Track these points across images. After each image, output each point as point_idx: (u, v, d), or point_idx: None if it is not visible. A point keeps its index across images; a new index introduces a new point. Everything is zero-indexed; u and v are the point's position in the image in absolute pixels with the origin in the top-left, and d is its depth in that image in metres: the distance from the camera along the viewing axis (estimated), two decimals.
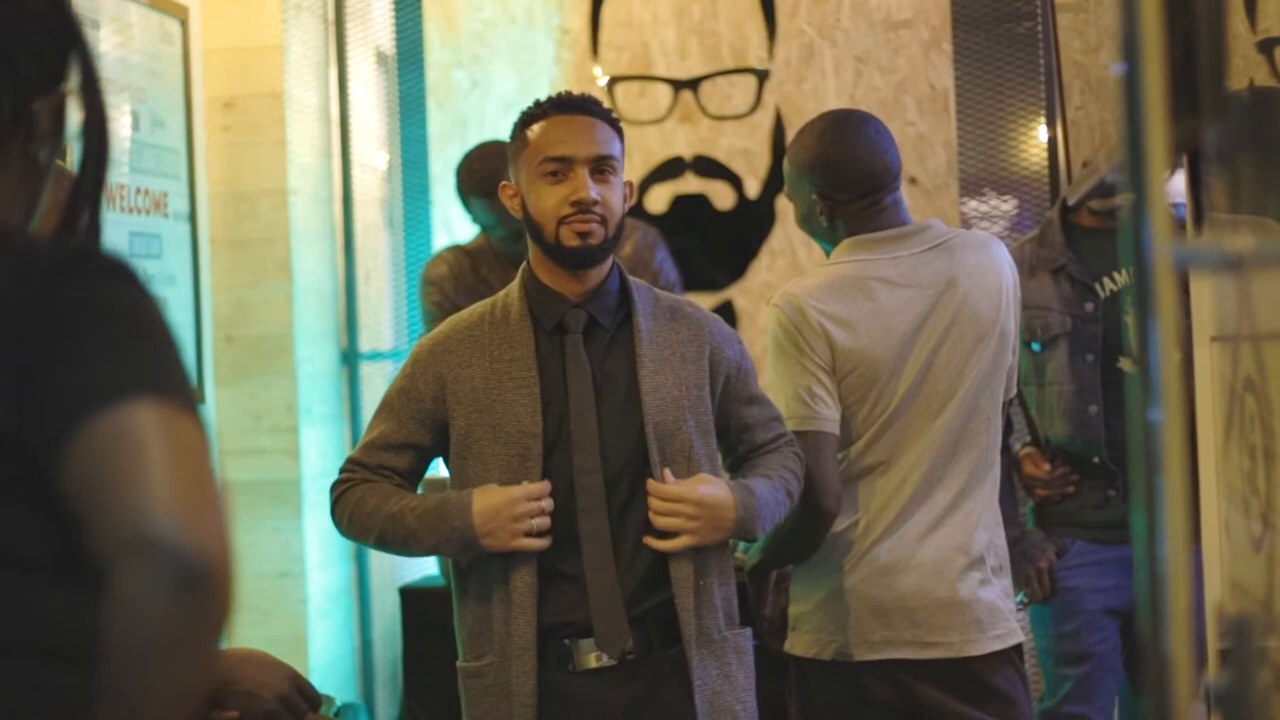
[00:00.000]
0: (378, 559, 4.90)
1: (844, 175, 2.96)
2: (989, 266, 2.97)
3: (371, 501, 2.67)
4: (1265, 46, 2.31)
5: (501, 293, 2.75)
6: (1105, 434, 3.54)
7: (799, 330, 2.87)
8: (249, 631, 4.52)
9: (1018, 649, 3.01)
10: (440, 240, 4.99)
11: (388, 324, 5.14)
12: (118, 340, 1.34)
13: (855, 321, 2.89)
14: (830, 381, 2.88)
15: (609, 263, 2.70)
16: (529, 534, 2.57)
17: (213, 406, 4.53)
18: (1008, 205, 4.85)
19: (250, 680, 2.24)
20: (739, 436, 2.77)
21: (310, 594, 4.57)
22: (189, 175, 4.38)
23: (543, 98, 2.74)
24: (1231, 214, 1.38)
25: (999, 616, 2.96)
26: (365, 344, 4.91)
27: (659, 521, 2.62)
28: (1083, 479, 3.58)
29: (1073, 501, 3.61)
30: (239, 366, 4.56)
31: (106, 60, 3.96)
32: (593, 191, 2.61)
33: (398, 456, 2.71)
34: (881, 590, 2.92)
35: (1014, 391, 3.07)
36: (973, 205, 4.80)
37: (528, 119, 2.69)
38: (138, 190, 4.11)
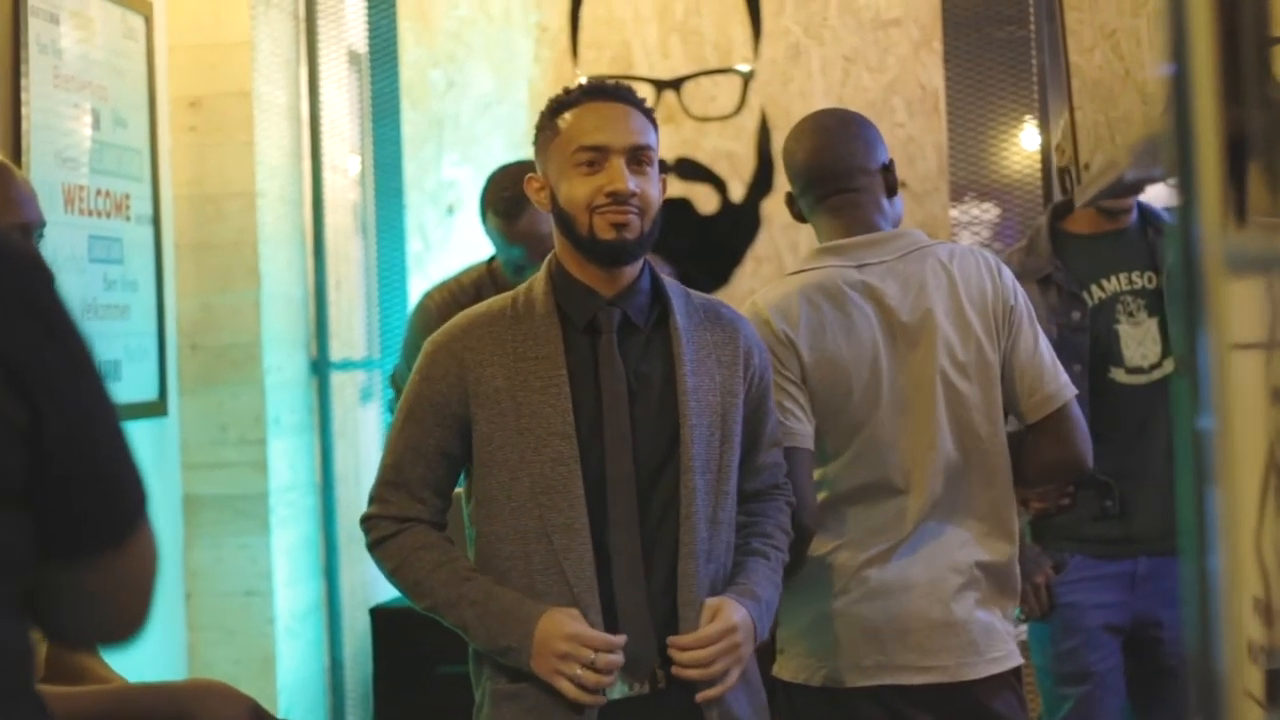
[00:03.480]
0: (348, 577, 4.87)
1: (796, 169, 3.00)
2: (966, 277, 2.94)
3: (421, 568, 2.57)
4: None
5: (523, 286, 2.65)
6: (1093, 445, 3.53)
7: (764, 343, 2.85)
8: (215, 651, 4.49)
9: (1017, 672, 2.97)
10: (414, 245, 4.96)
11: (359, 332, 5.11)
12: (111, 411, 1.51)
13: (821, 329, 2.87)
14: (801, 394, 2.86)
15: (641, 259, 2.62)
16: (573, 681, 2.47)
17: (177, 417, 4.50)
18: (998, 210, 4.85)
19: (209, 713, 2.22)
20: (745, 451, 2.69)
21: (278, 612, 4.54)
22: (152, 177, 4.35)
23: (572, 86, 2.65)
24: (1272, 216, 1.37)
25: (997, 638, 2.92)
26: (336, 353, 4.88)
27: (702, 675, 2.52)
28: (1078, 491, 3.57)
29: (1069, 514, 3.60)
30: (204, 375, 4.53)
31: (66, 56, 3.93)
32: (630, 183, 2.52)
33: (431, 470, 2.59)
34: (873, 612, 2.88)
35: (1048, 408, 2.94)
36: (963, 209, 4.81)
37: (558, 106, 2.61)
38: (98, 192, 4.07)
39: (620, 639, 2.49)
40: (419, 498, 2.61)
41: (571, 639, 2.46)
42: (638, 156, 2.56)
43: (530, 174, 2.67)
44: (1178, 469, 1.18)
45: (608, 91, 2.61)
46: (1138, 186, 2.51)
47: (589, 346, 2.58)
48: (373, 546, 2.64)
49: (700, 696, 2.53)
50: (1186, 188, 1.14)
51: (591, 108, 2.58)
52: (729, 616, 2.53)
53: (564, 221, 2.58)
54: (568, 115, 2.59)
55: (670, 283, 2.67)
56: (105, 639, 1.63)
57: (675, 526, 2.56)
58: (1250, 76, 1.20)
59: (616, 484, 2.54)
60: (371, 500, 2.65)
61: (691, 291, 2.72)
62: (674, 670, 2.53)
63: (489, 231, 3.77)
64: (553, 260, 2.64)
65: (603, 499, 2.54)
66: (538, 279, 2.63)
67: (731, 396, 2.63)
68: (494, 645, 2.52)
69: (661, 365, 2.60)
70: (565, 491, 2.51)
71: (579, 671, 2.46)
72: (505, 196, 3.70)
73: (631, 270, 2.59)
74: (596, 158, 2.54)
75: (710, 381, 2.61)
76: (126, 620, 1.54)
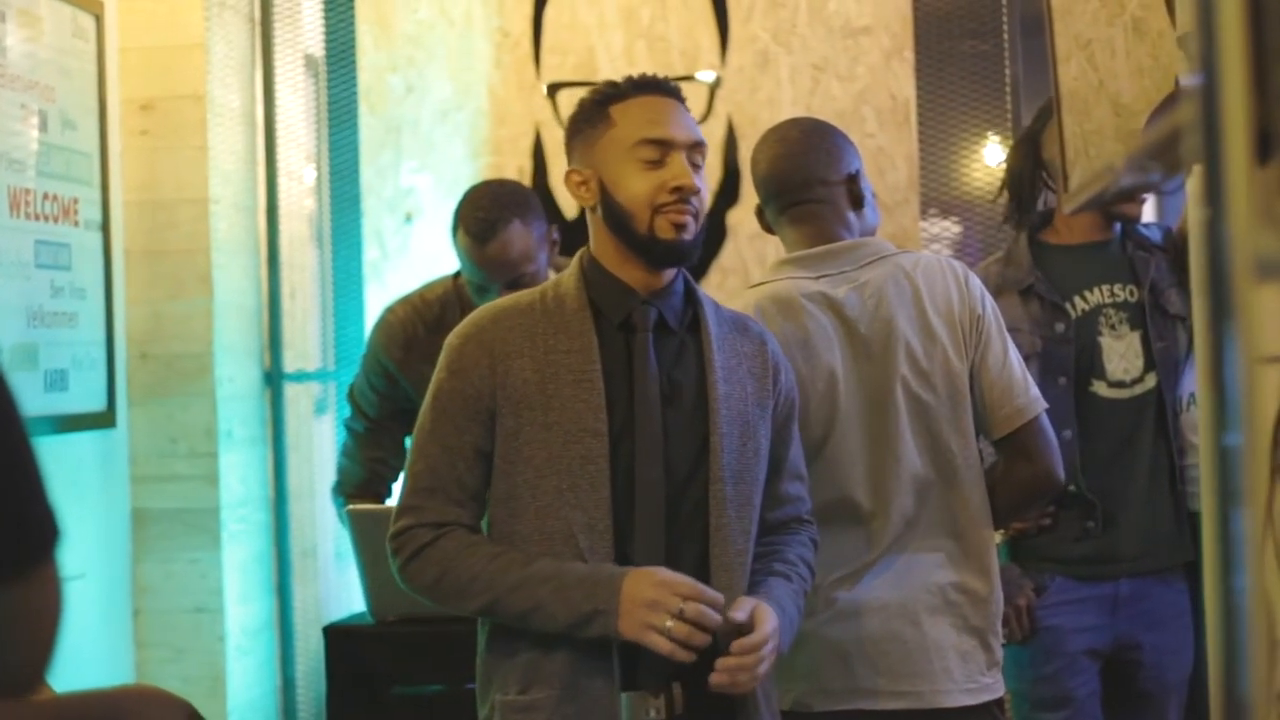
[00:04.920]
0: (301, 594, 4.80)
1: (759, 180, 3.00)
2: (931, 285, 2.90)
3: (475, 563, 2.44)
4: (1183, 43, 2.30)
5: (551, 281, 2.58)
6: (1081, 461, 3.49)
7: None
8: (163, 669, 4.42)
9: (999, 703, 2.92)
10: (371, 253, 4.90)
11: (314, 342, 5.05)
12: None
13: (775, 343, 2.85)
14: None
15: None
16: (664, 634, 2.36)
17: (126, 428, 4.43)
18: (971, 222, 4.83)
19: (140, 718, 2.19)
20: (768, 475, 2.61)
21: (229, 630, 4.48)
22: (102, 181, 4.28)
23: (619, 78, 2.58)
24: None
25: (975, 666, 2.86)
26: (290, 364, 4.81)
27: (750, 682, 2.42)
28: (1059, 510, 3.53)
29: (1049, 535, 3.55)
30: (154, 386, 4.46)
31: (12, 56, 3.86)
32: (696, 179, 2.48)
33: (468, 471, 2.48)
34: (842, 634, 2.83)
35: (1018, 421, 2.92)
36: (934, 221, 4.78)
37: (606, 97, 2.54)
38: (45, 196, 4.00)
39: (716, 596, 2.39)
40: (457, 501, 2.49)
41: (660, 585, 2.36)
42: (694, 155, 2.52)
43: (572, 168, 2.58)
44: (1202, 487, 1.14)
45: (661, 86, 2.55)
46: (1145, 189, 2.49)
47: (623, 344, 2.50)
48: (409, 561, 2.49)
49: (715, 680, 2.41)
50: (1214, 189, 1.11)
51: (647, 101, 2.52)
52: (772, 618, 2.45)
53: (618, 218, 2.50)
54: (621, 107, 2.52)
55: (700, 290, 2.62)
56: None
57: (701, 539, 2.49)
58: (1273, 70, 1.17)
59: (646, 488, 2.45)
60: (400, 513, 2.52)
61: (717, 302, 2.66)
62: (714, 679, 2.40)
63: (457, 249, 3.71)
64: (585, 255, 2.57)
65: (629, 503, 2.46)
66: (567, 274, 2.56)
67: (761, 409, 2.57)
68: (577, 615, 2.39)
69: (694, 370, 2.53)
70: (592, 491, 2.43)
71: (669, 624, 2.35)
72: (479, 218, 3.63)
73: (670, 270, 2.54)
74: (660, 153, 2.48)
75: (742, 390, 2.55)
76: (22, 662, 1.48)
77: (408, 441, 3.97)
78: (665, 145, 2.48)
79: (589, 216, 2.57)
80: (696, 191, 2.47)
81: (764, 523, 2.61)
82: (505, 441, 2.47)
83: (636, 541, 2.45)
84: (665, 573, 2.39)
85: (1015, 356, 2.95)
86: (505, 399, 2.46)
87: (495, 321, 2.52)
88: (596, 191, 2.52)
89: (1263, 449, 1.17)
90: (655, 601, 2.35)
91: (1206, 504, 1.13)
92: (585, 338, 2.48)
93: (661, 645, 2.36)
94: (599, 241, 2.55)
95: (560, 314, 2.50)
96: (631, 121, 2.50)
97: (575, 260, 2.57)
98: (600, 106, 2.54)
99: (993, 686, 2.89)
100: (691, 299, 2.58)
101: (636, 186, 2.48)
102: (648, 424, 2.46)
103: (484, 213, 3.62)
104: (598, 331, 2.49)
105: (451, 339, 2.54)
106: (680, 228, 2.46)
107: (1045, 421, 2.94)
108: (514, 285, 3.57)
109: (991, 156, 4.83)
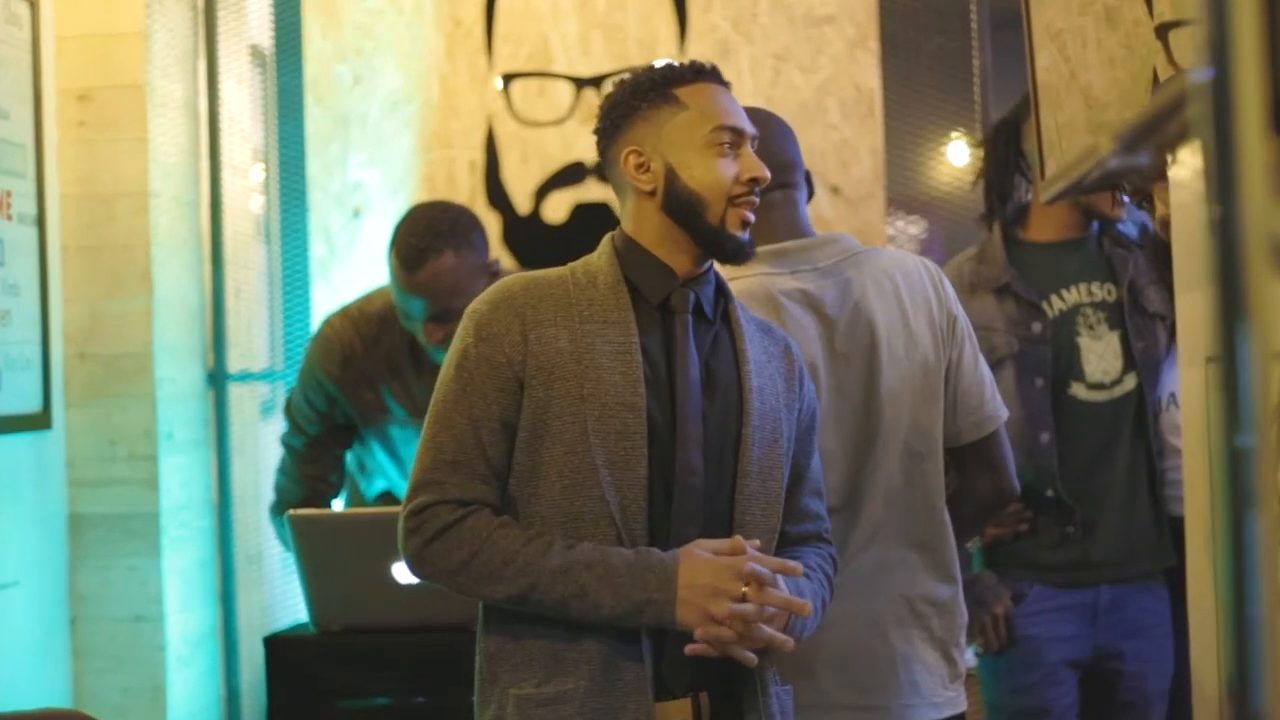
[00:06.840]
0: (245, 602, 4.72)
1: None
2: (911, 285, 2.86)
3: (509, 545, 2.32)
4: (1161, 32, 2.26)
5: (578, 261, 2.50)
6: (1059, 465, 3.43)
7: None
8: (101, 679, 4.33)
9: (961, 717, 2.87)
10: (318, 250, 4.82)
11: (260, 342, 4.97)
12: None
13: None
14: None
15: None
16: (724, 623, 2.29)
17: (62, 431, 4.34)
18: (936, 219, 4.78)
19: None
20: (788, 487, 2.53)
21: (169, 639, 4.39)
22: (37, 174, 4.19)
23: (678, 62, 2.52)
24: None
25: (939, 680, 2.82)
26: (234, 364, 4.73)
27: (769, 634, 2.34)
28: (1038, 515, 3.47)
29: (1027, 541, 3.49)
30: (92, 387, 4.37)
31: None
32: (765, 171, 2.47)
33: (495, 445, 2.36)
34: (807, 645, 2.76)
35: (987, 429, 2.89)
36: (901, 215, 4.73)
37: (667, 79, 2.48)
38: None
39: (775, 566, 2.33)
40: (482, 478, 2.37)
41: (719, 569, 2.29)
42: (754, 146, 2.50)
43: (632, 147, 2.48)
44: (1188, 491, 1.07)
45: (718, 75, 2.52)
46: (1132, 172, 2.43)
47: (660, 325, 2.44)
48: (430, 542, 2.36)
49: (700, 639, 2.32)
50: (1224, 167, 1.04)
51: (711, 88, 2.48)
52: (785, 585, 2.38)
53: (687, 204, 2.43)
54: (687, 90, 2.47)
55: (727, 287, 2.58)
56: None
57: (725, 535, 2.39)
58: None
59: (685, 472, 2.37)
60: (418, 489, 2.38)
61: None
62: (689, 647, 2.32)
63: (388, 269, 3.60)
64: (618, 236, 2.49)
65: (665, 487, 2.37)
66: (597, 255, 2.49)
67: (789, 410, 2.52)
68: (626, 604, 2.29)
69: (728, 361, 2.47)
70: (627, 469, 2.34)
71: (733, 608, 2.28)
72: (411, 243, 3.51)
73: (709, 259, 2.49)
74: (734, 140, 2.45)
75: (773, 386, 2.50)
76: None
77: (348, 457, 3.94)
78: (739, 134, 2.45)
79: (633, 198, 2.49)
80: (765, 183, 2.46)
81: (783, 536, 2.53)
82: (533, 414, 2.36)
83: (673, 528, 2.36)
84: (719, 551, 2.31)
85: (983, 361, 2.91)
86: (537, 369, 2.37)
87: (526, 289, 2.43)
88: (661, 174, 2.45)
89: (1272, 448, 1.10)
90: (716, 588, 2.29)
91: (1209, 508, 1.07)
92: (623, 311, 2.41)
93: (724, 635, 2.29)
94: (641, 224, 2.47)
95: (594, 288, 2.43)
96: (704, 106, 2.46)
97: (606, 242, 2.50)
98: (662, 87, 2.47)
99: (956, 700, 2.86)
100: (722, 290, 2.53)
101: (714, 174, 2.43)
102: (688, 408, 2.39)
103: (416, 239, 3.51)
104: (634, 310, 2.43)
105: (478, 305, 2.44)
106: (746, 224, 2.44)
107: (1004, 431, 2.91)
108: (438, 318, 3.47)
109: (957, 154, 4.78)
